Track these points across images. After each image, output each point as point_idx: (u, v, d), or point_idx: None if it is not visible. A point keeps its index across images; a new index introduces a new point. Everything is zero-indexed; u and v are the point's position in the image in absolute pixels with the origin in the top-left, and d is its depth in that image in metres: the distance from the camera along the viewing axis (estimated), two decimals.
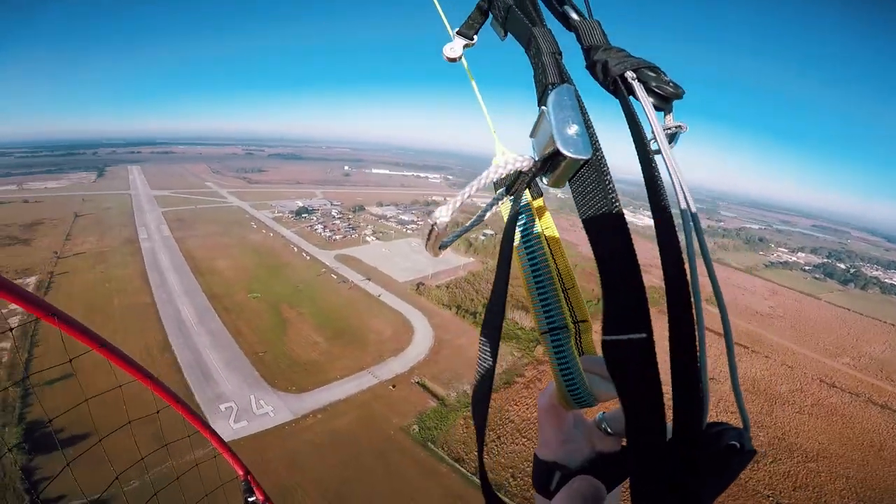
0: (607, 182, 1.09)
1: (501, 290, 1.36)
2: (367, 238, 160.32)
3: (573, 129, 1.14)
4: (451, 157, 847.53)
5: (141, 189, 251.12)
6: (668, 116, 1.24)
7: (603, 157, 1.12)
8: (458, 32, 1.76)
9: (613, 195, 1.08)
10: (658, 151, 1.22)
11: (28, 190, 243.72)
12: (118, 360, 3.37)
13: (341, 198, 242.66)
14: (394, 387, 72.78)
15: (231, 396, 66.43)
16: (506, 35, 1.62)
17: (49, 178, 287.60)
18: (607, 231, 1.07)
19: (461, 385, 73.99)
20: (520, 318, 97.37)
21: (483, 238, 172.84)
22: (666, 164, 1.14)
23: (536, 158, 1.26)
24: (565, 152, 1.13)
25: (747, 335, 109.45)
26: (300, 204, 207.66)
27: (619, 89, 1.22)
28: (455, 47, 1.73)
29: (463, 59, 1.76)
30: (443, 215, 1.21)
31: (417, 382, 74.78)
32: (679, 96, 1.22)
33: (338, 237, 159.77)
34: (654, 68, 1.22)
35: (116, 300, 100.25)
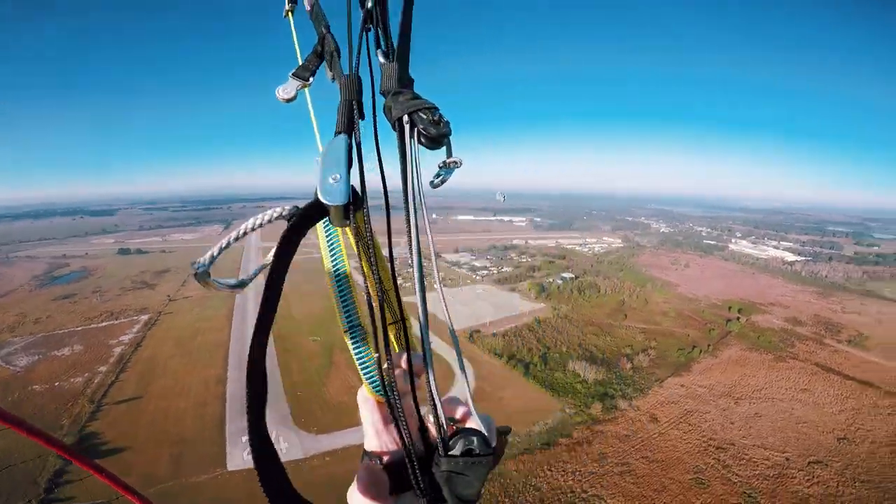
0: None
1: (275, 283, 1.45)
2: (434, 285, 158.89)
3: (334, 178, 1.35)
4: (540, 198, 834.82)
5: (253, 241, 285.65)
6: (448, 154, 1.51)
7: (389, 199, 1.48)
8: (292, 74, 1.85)
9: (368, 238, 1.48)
10: (437, 185, 1.61)
11: (168, 241, 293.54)
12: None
13: (421, 245, 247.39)
14: None
15: None
16: (333, 79, 1.78)
17: (186, 231, 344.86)
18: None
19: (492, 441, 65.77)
20: (582, 369, 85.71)
21: (560, 282, 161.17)
22: (414, 199, 1.47)
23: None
24: (322, 199, 1.35)
25: None
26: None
27: (399, 132, 1.45)
28: (288, 88, 1.81)
29: (309, 100, 1.87)
30: (202, 261, 1.33)
31: None
32: (442, 137, 1.43)
33: (407, 284, 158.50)
34: (429, 109, 1.43)
35: (199, 338, 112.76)
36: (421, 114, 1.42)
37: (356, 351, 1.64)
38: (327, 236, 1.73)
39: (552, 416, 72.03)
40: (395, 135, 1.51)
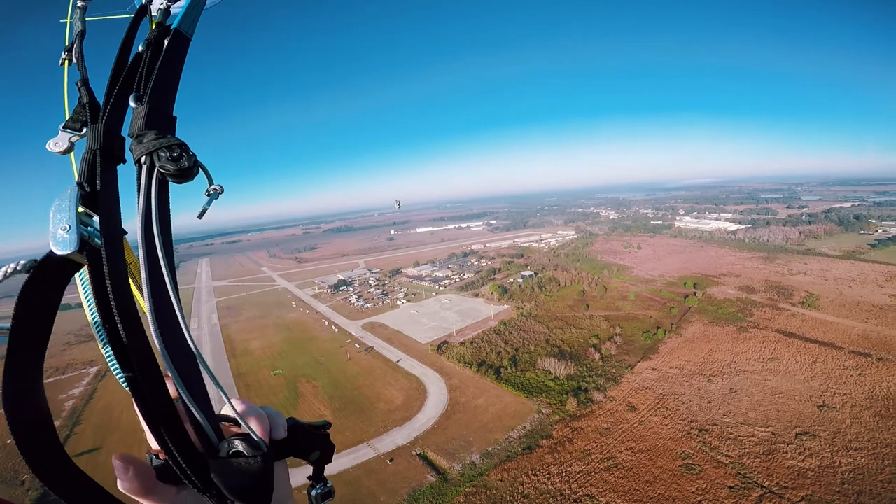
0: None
1: None
2: (399, 301, 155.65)
3: (63, 229, 1.37)
4: (495, 201, 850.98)
5: (204, 281, 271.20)
6: (209, 183, 1.73)
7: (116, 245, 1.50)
8: (62, 126, 1.85)
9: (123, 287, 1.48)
10: (201, 215, 1.79)
11: None
12: None
13: (382, 264, 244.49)
14: (391, 460, 64.60)
15: None
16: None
17: None
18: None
19: (469, 454, 63.70)
20: (553, 366, 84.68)
21: (521, 281, 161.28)
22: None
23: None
24: (54, 250, 1.37)
25: (866, 338, 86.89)
26: (340, 277, 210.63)
27: (138, 171, 1.56)
28: (59, 141, 1.82)
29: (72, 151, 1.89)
30: None
31: (419, 454, 65.49)
32: (185, 171, 1.54)
33: (369, 305, 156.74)
34: (169, 147, 1.53)
35: None
36: (160, 152, 1.51)
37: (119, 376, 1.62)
38: (83, 285, 1.69)
39: (529, 418, 70.20)
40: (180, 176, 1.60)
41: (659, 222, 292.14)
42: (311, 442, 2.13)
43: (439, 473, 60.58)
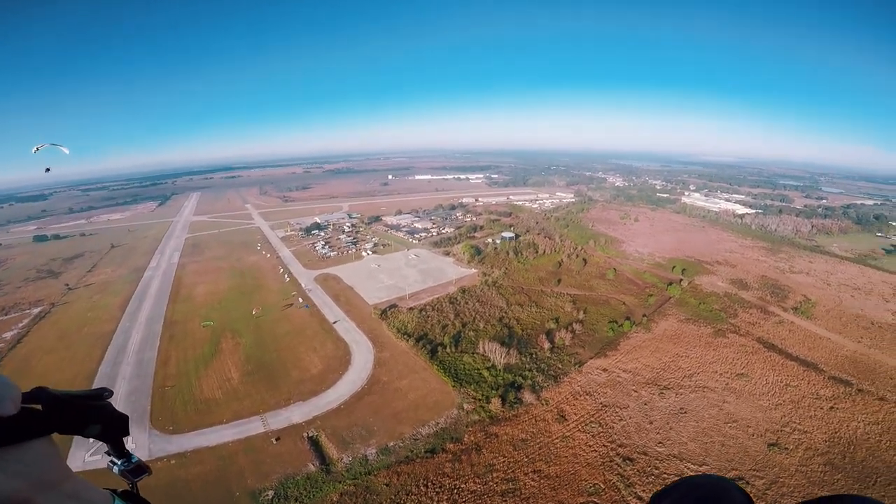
0: None
1: None
2: (364, 252, 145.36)
3: None
4: (507, 155, 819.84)
5: (184, 216, 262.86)
6: None
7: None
8: None
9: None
10: None
11: (92, 223, 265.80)
12: None
13: (365, 209, 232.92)
14: (277, 439, 57.21)
15: None
16: None
17: (116, 211, 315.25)
18: None
19: (365, 447, 55.65)
20: (494, 352, 74.62)
21: (498, 242, 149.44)
22: None
23: None
24: None
25: (853, 362, 75.81)
26: (317, 220, 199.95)
27: None
28: None
29: None
30: None
31: (310, 437, 57.74)
32: None
33: (333, 253, 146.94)
34: None
35: (86, 329, 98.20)
36: None
37: None
38: None
39: (447, 413, 61.36)
40: None
41: (665, 195, 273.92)
42: (82, 414, 1.93)
43: (324, 463, 53.14)
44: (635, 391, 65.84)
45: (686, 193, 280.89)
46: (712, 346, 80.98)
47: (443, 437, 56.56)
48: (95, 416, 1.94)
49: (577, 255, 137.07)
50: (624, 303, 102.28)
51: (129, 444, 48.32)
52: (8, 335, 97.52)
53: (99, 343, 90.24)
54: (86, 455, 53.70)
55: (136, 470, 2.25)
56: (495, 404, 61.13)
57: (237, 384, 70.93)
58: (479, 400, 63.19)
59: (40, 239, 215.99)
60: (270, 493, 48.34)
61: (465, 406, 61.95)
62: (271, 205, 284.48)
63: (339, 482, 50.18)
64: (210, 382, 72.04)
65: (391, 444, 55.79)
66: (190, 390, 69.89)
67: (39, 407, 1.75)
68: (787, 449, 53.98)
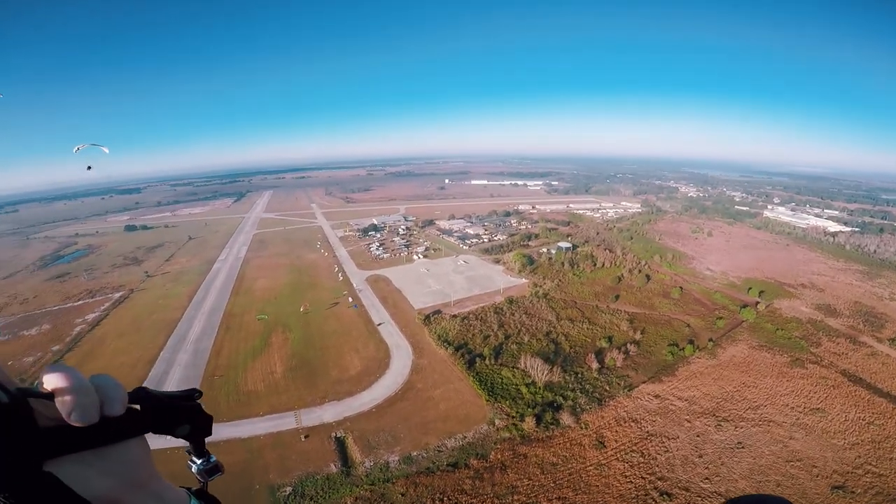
0: None
1: None
2: (415, 256, 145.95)
3: None
4: (568, 162, 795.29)
5: (255, 213, 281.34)
6: None
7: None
8: None
9: None
10: None
11: (176, 216, 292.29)
12: None
13: (420, 212, 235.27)
14: (306, 437, 57.89)
15: None
16: None
17: (197, 205, 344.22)
18: None
19: (389, 453, 54.78)
20: (535, 368, 70.70)
21: (553, 252, 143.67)
22: None
23: None
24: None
25: None
26: (374, 221, 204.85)
27: None
28: None
29: None
30: None
31: (337, 438, 57.88)
32: None
33: (386, 255, 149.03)
34: None
35: (155, 315, 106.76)
36: None
37: None
38: None
39: (476, 427, 58.73)
40: None
41: (745, 208, 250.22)
42: (175, 415, 1.96)
43: (345, 465, 52.86)
44: (689, 421, 59.25)
45: (769, 207, 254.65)
46: (786, 377, 71.45)
47: (468, 452, 54.10)
48: (186, 416, 1.98)
49: (640, 271, 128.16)
50: (688, 325, 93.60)
51: None
52: (90, 317, 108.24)
53: (164, 330, 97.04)
54: None
55: (212, 469, 2.33)
56: (529, 423, 57.55)
57: (279, 378, 73.12)
58: (513, 417, 59.91)
59: (130, 228, 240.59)
60: (288, 489, 48.73)
61: (497, 422, 59.00)
62: (334, 205, 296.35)
63: (357, 486, 49.60)
64: (255, 375, 74.88)
65: (415, 453, 54.27)
66: (235, 381, 72.93)
67: (138, 407, 1.79)
68: (853, 493, 46.43)
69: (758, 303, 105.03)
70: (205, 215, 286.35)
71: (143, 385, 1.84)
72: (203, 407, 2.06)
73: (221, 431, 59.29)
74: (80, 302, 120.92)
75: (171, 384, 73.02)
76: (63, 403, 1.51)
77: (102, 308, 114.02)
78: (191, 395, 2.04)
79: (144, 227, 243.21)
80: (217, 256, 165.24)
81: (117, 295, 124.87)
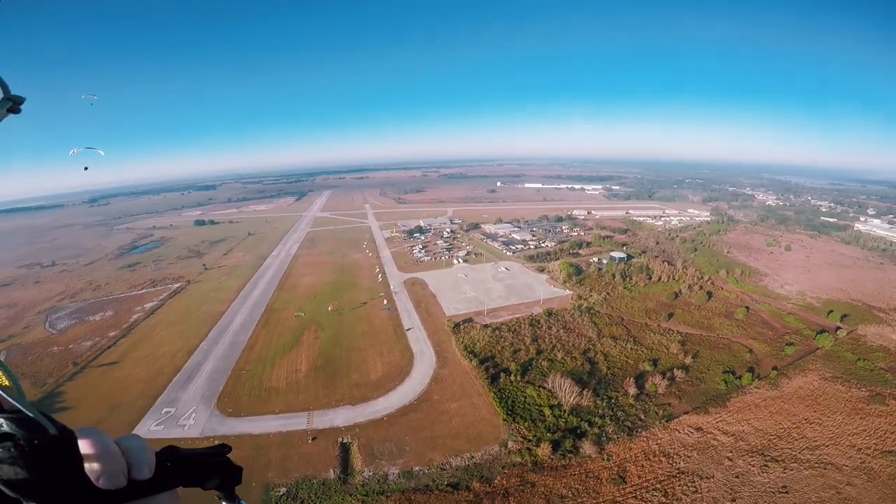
0: None
1: None
2: (456, 260, 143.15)
3: None
4: (632, 165, 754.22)
5: (312, 211, 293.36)
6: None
7: None
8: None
9: None
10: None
11: (242, 212, 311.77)
12: None
13: (468, 215, 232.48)
14: (314, 439, 57.47)
15: (179, 404, 67.60)
16: None
17: (262, 202, 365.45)
18: None
19: (391, 465, 52.91)
20: (564, 388, 65.07)
21: (604, 263, 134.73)
22: None
23: None
24: None
25: None
26: (420, 223, 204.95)
27: None
28: None
29: None
30: None
31: (342, 443, 56.81)
32: None
33: (427, 258, 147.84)
34: None
35: (204, 307, 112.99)
36: None
37: None
38: None
39: (488, 448, 54.83)
40: None
41: (832, 220, 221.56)
42: (205, 471, 2.03)
43: (344, 473, 51.59)
44: (730, 459, 51.62)
45: (862, 219, 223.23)
46: (860, 414, 60.80)
47: (472, 474, 50.53)
48: (216, 471, 2.05)
49: (701, 287, 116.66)
50: (751, 350, 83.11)
51: (191, 418, 51.61)
52: (148, 305, 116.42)
53: (209, 322, 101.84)
54: (152, 424, 60.85)
55: None
56: (544, 449, 52.75)
57: (301, 377, 73.69)
58: (529, 441, 55.34)
59: (199, 223, 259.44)
60: (282, 489, 48.26)
61: (510, 444, 54.77)
62: (386, 205, 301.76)
63: (351, 495, 48.20)
64: (280, 372, 76.06)
65: (417, 468, 51.66)
66: (260, 377, 74.45)
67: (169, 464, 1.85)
68: None
69: (838, 328, 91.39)
70: (267, 212, 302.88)
71: (172, 444, 1.95)
72: (231, 461, 2.16)
73: (236, 426, 60.88)
74: (142, 291, 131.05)
75: (203, 375, 76.30)
76: (91, 470, 1.56)
77: (160, 298, 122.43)
78: (220, 452, 2.09)
79: (212, 222, 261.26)
80: (270, 252, 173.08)
81: (175, 286, 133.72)
